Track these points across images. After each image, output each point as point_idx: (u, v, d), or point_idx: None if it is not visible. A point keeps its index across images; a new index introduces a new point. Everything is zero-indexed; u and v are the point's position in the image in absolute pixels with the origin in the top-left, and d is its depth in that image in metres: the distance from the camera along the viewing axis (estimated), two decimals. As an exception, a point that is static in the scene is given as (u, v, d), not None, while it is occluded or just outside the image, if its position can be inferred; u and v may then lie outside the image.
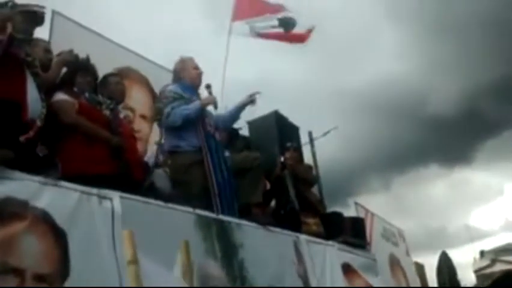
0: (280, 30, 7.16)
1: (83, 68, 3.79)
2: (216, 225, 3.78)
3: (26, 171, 2.63)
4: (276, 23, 7.19)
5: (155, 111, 4.36)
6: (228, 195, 4.23)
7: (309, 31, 7.19)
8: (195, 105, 4.29)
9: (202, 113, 4.32)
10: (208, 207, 3.91)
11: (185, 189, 4.05)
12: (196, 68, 4.54)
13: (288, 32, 7.13)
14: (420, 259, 11.20)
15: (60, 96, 3.53)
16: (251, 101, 4.68)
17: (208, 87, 4.49)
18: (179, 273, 2.70)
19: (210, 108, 4.45)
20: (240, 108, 4.74)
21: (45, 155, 3.30)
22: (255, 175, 4.82)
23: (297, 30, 7.15)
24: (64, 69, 3.73)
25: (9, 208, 2.44)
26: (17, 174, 2.59)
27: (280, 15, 7.23)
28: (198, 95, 4.48)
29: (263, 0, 7.48)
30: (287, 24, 7.15)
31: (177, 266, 2.81)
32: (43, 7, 3.48)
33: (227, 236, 3.84)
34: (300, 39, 7.23)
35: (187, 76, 4.48)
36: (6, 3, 3.19)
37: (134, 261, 1.93)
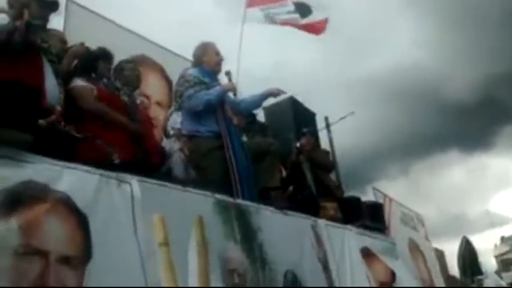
0: (296, 15, 7.06)
1: (104, 56, 3.80)
2: (235, 209, 3.78)
3: (47, 155, 2.65)
4: (291, 8, 7.09)
5: (176, 94, 4.34)
6: (248, 181, 4.24)
7: (325, 21, 7.08)
8: (216, 90, 4.28)
9: (222, 99, 4.33)
10: (228, 192, 3.91)
11: (204, 174, 4.06)
12: (218, 53, 4.52)
13: (304, 18, 7.03)
14: (440, 245, 11.15)
15: (79, 82, 3.54)
16: (275, 94, 4.70)
17: (227, 74, 4.48)
18: (193, 250, 2.69)
19: (229, 94, 4.45)
20: (264, 97, 4.74)
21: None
22: (271, 160, 4.82)
23: (313, 17, 7.05)
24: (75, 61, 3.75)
25: (30, 191, 2.45)
26: (37, 158, 2.60)
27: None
28: (217, 81, 4.47)
29: None
30: (303, 9, 7.05)
31: (191, 242, 2.80)
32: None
33: (246, 220, 3.84)
34: (316, 30, 7.13)
35: (208, 61, 4.45)
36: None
37: (166, 243, 1.96)
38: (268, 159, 4.78)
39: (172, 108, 4.75)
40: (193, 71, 4.37)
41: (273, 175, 4.78)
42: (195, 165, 4.15)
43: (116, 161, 3.21)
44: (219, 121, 4.23)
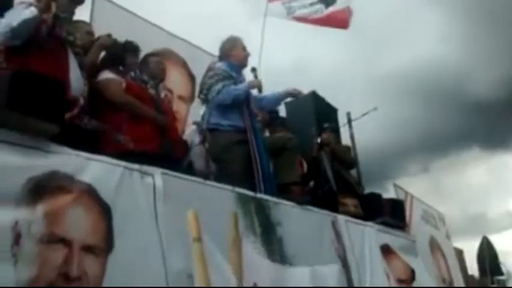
0: (321, 6, 6.93)
1: (132, 49, 3.84)
2: (255, 203, 3.80)
3: (72, 146, 2.70)
4: None
5: (203, 86, 4.37)
6: (269, 176, 4.27)
7: (348, 11, 6.94)
8: (244, 85, 4.34)
9: (248, 94, 4.36)
10: (248, 186, 3.94)
11: (224, 168, 4.08)
12: (245, 49, 4.56)
13: (328, 9, 6.89)
14: (459, 244, 10.99)
15: (108, 74, 3.58)
16: (294, 94, 4.82)
17: (253, 70, 4.53)
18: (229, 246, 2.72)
19: (254, 91, 4.48)
20: (283, 96, 4.84)
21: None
22: (290, 156, 4.85)
23: (337, 8, 6.91)
24: (103, 53, 3.79)
25: (55, 181, 2.51)
26: (63, 148, 2.66)
27: None
28: (243, 76, 4.49)
29: None
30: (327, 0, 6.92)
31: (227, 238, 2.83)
32: None
33: (266, 214, 3.86)
34: (342, 23, 6.98)
35: (236, 55, 4.48)
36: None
37: (199, 239, 2.00)
38: (287, 155, 4.81)
39: (197, 100, 4.78)
40: (221, 65, 4.40)
41: (291, 171, 4.80)
42: (215, 159, 4.18)
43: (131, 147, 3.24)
44: (244, 116, 4.26)
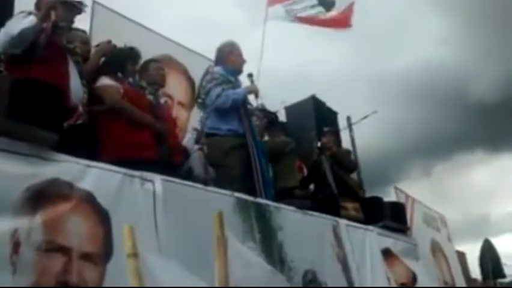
0: (320, 8, 6.93)
1: (131, 55, 3.86)
2: (255, 208, 3.81)
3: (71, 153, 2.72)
4: (315, 1, 6.99)
5: (200, 90, 4.39)
6: (269, 180, 4.28)
7: (349, 11, 6.92)
8: (242, 90, 4.37)
9: (246, 99, 4.39)
10: (248, 191, 3.94)
11: (223, 172, 4.10)
12: (241, 55, 4.57)
13: (329, 12, 6.89)
14: (462, 247, 10.99)
15: (106, 81, 3.60)
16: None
17: (250, 76, 4.54)
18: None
19: (251, 97, 4.52)
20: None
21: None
22: (288, 160, 4.86)
23: (337, 10, 6.90)
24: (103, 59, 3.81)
25: (55, 189, 2.53)
26: (62, 156, 2.68)
27: None
28: (239, 81, 4.52)
29: None
30: (326, 2, 6.91)
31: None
32: (83, 4, 3.56)
33: (266, 219, 3.86)
34: (343, 23, 6.96)
35: (234, 61, 4.50)
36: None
37: (135, 254, 2.00)
38: (286, 159, 4.82)
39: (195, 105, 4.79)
40: (219, 69, 4.42)
41: (290, 175, 4.82)
42: (214, 163, 4.19)
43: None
44: (242, 121, 4.27)
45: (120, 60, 3.81)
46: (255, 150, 4.20)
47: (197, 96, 4.50)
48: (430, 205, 8.20)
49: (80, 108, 3.27)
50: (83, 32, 3.95)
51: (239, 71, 4.55)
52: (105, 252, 2.62)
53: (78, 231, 2.53)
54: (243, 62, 4.56)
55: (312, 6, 6.98)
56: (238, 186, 3.87)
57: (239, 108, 4.29)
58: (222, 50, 4.55)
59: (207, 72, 4.45)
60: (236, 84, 4.40)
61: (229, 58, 4.49)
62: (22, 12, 3.11)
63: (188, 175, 3.87)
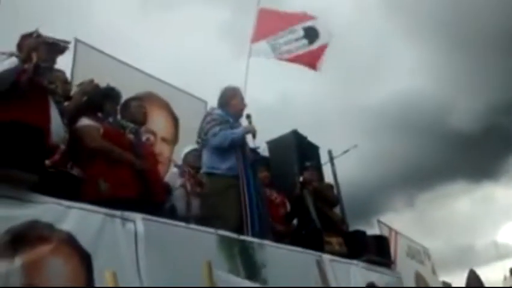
0: (305, 41, 6.97)
1: (112, 95, 3.88)
2: (239, 245, 3.79)
3: (52, 194, 2.70)
4: (301, 33, 7.01)
5: (200, 132, 4.42)
6: (263, 218, 4.31)
7: (321, 53, 6.96)
8: (240, 130, 4.43)
9: (243, 140, 4.44)
10: (243, 230, 3.99)
11: (217, 211, 4.12)
12: (243, 100, 4.67)
13: (312, 44, 6.92)
14: (448, 278, 10.97)
15: (85, 121, 3.60)
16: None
17: (248, 116, 4.58)
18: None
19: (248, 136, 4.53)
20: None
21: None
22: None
23: (319, 44, 6.93)
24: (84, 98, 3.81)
25: (35, 231, 2.49)
26: (42, 197, 2.65)
27: (305, 24, 7.06)
28: (239, 123, 4.58)
29: (286, 12, 7.31)
30: (311, 35, 6.98)
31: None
32: (67, 42, 3.58)
33: (250, 256, 3.84)
34: (312, 63, 6.96)
35: (235, 105, 4.57)
36: (31, 34, 3.30)
37: None
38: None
39: (195, 145, 4.78)
40: (219, 111, 4.50)
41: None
42: (210, 202, 4.19)
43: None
44: (237, 160, 4.31)
45: (100, 100, 3.82)
46: (246, 190, 4.22)
47: (198, 137, 4.52)
48: (414, 236, 8.25)
49: (62, 147, 3.25)
50: (63, 72, 3.94)
51: (239, 116, 4.61)
52: (86, 294, 2.57)
53: (58, 274, 2.48)
54: (243, 107, 4.63)
55: (297, 39, 7.03)
56: (234, 224, 3.92)
57: (236, 148, 4.34)
58: (225, 94, 4.63)
59: (207, 114, 4.53)
60: (234, 125, 4.46)
61: (231, 102, 4.57)
62: (4, 53, 3.11)
63: (172, 213, 3.85)
